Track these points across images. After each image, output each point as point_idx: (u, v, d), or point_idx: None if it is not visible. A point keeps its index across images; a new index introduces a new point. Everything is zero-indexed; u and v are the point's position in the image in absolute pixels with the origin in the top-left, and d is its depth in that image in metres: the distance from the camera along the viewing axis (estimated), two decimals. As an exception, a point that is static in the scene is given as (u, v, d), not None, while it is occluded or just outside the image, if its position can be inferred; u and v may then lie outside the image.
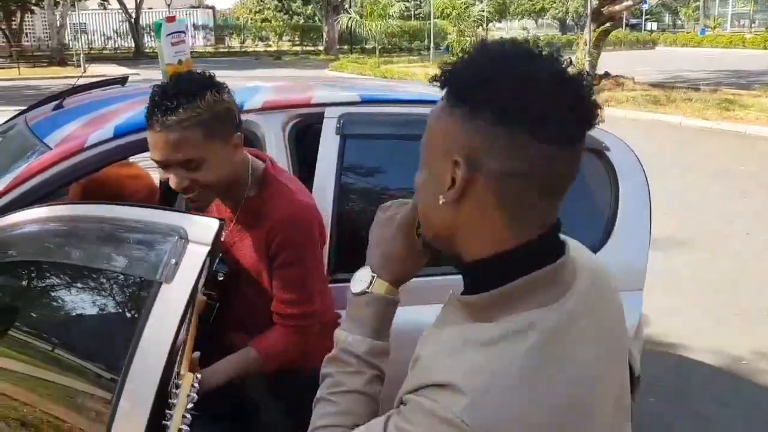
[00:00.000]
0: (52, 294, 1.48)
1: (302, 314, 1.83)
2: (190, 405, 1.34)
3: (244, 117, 2.24)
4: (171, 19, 2.28)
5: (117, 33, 40.03)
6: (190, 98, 1.62)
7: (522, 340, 0.85)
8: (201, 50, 38.91)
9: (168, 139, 1.62)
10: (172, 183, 1.66)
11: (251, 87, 2.55)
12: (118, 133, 2.12)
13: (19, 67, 25.93)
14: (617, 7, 17.98)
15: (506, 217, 0.89)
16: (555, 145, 0.85)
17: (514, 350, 0.84)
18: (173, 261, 1.12)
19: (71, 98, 2.64)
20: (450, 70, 0.90)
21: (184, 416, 1.30)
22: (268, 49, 39.86)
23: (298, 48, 40.55)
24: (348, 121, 2.27)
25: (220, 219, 1.17)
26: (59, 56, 30.41)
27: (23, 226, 1.44)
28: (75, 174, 2.07)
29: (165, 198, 3.50)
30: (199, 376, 1.55)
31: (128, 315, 1.30)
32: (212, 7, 44.79)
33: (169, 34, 2.26)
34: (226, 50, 37.89)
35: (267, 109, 2.30)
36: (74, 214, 1.42)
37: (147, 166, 2.78)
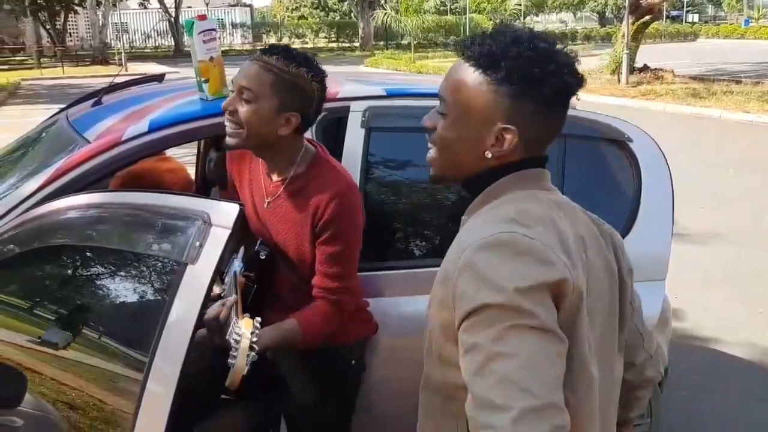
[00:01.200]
0: (92, 278, 1.59)
1: (344, 288, 1.92)
2: (255, 339, 1.47)
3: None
4: (202, 17, 2.36)
5: (156, 32, 40.77)
6: (288, 59, 1.85)
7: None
8: (239, 48, 39.42)
9: (249, 69, 1.87)
10: (226, 101, 1.88)
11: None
12: (153, 128, 2.21)
13: (63, 66, 26.61)
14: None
15: (509, 155, 1.17)
16: (560, 112, 1.16)
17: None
18: (197, 243, 1.20)
19: (110, 95, 2.75)
20: (496, 52, 1.13)
21: (251, 347, 1.41)
22: (305, 45, 40.13)
23: (334, 44, 40.79)
24: (373, 114, 2.32)
25: (240, 204, 1.25)
26: (101, 55, 31.11)
27: (65, 212, 1.54)
28: (112, 167, 2.17)
29: (201, 190, 3.62)
30: (259, 318, 1.72)
31: (157, 296, 1.38)
32: (250, 5, 45.28)
33: (201, 32, 2.35)
34: (264, 48, 38.16)
35: (295, 103, 2.36)
36: (109, 201, 1.51)
37: (183, 160, 2.88)
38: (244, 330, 1.66)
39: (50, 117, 3.09)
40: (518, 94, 1.12)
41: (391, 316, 2.22)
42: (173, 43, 37.73)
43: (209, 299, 1.35)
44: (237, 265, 1.94)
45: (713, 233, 6.16)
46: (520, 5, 28.34)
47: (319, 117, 2.37)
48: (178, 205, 1.34)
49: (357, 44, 37.32)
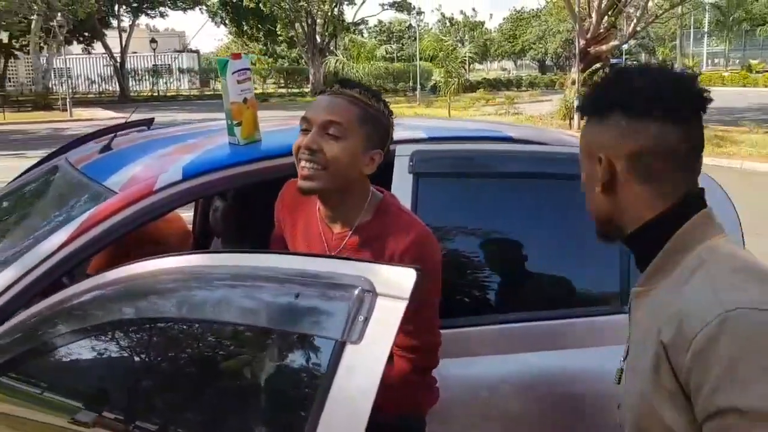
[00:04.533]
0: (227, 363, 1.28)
1: (425, 347, 1.70)
2: None
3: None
4: (237, 56, 2.19)
5: (101, 77, 40.00)
6: (370, 94, 1.71)
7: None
8: (186, 93, 38.94)
9: (331, 102, 1.68)
10: (307, 138, 1.64)
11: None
12: (187, 175, 2.01)
13: (4, 112, 25.72)
14: (604, 47, 18.32)
15: (648, 190, 1.10)
16: (667, 122, 1.07)
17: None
18: (361, 318, 0.98)
19: (119, 140, 2.52)
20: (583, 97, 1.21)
21: None
22: (255, 91, 39.84)
23: (283, 90, 40.69)
24: (420, 159, 2.17)
25: (417, 268, 1.05)
26: (43, 101, 30.24)
27: (152, 279, 1.28)
28: (144, 218, 1.94)
29: (198, 240, 3.38)
30: None
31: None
32: (197, 51, 45.00)
33: (235, 72, 2.17)
34: (212, 93, 37.86)
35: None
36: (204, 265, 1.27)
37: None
38: None
39: (39, 164, 2.85)
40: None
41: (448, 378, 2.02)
42: (119, 89, 37.08)
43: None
44: None
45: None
46: (469, 53, 28.90)
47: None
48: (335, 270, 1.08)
49: (308, 89, 37.41)
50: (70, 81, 31.34)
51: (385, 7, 37.92)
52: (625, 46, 33.51)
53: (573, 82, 18.53)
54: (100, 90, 39.86)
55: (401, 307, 0.99)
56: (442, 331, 2.04)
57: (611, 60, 52.83)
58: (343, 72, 28.43)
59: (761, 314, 0.92)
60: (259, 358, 1.19)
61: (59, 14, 24.82)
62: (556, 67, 56.99)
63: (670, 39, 52.22)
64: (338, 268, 1.08)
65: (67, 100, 26.19)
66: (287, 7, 29.05)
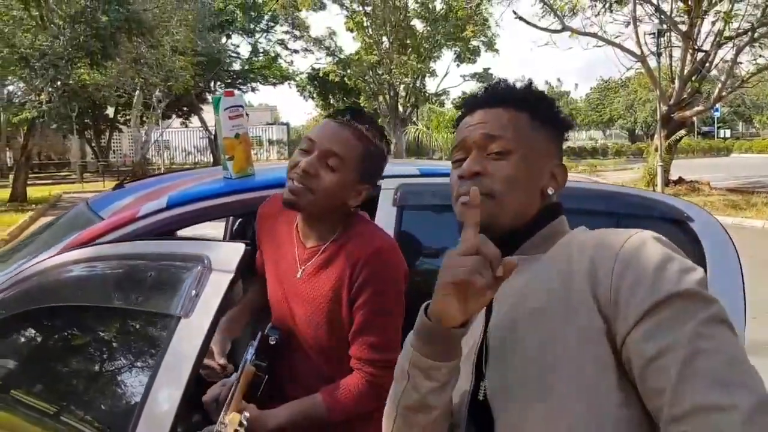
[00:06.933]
0: (83, 341, 1.41)
1: (383, 361, 1.65)
2: None
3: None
4: (229, 93, 2.29)
5: (196, 148, 42.20)
6: (376, 131, 1.74)
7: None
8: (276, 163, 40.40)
9: (339, 132, 1.69)
10: (305, 161, 1.66)
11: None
12: (171, 204, 2.08)
13: (104, 181, 27.46)
14: (688, 113, 17.82)
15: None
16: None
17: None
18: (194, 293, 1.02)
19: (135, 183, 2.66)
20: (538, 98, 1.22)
21: None
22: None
23: (367, 160, 41.52)
24: (405, 192, 2.17)
25: (246, 243, 1.07)
26: (142, 170, 32.11)
27: (54, 271, 1.39)
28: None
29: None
30: (247, 414, 1.47)
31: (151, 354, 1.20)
32: (287, 123, 46.89)
33: (227, 108, 2.26)
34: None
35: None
36: (101, 255, 1.35)
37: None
38: (228, 423, 1.41)
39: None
40: (558, 133, 1.20)
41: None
42: (212, 159, 38.94)
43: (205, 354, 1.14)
44: (250, 352, 1.72)
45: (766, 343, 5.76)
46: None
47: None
48: (176, 251, 1.17)
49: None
50: (168, 152, 33.10)
51: (467, 78, 38.48)
52: (717, 114, 32.63)
53: (656, 149, 18.06)
54: (195, 160, 41.99)
55: (227, 279, 1.02)
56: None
57: (703, 128, 51.00)
58: (423, 141, 28.88)
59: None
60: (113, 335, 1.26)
61: (158, 90, 26.56)
62: (647, 136, 55.81)
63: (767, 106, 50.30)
64: (182, 248, 1.12)
65: (162, 169, 27.71)
66: (370, 80, 30.01)
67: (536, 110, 1.19)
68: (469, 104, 1.24)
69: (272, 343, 1.75)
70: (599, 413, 0.94)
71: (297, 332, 1.77)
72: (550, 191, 1.17)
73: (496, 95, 1.21)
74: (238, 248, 1.04)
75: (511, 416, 1.02)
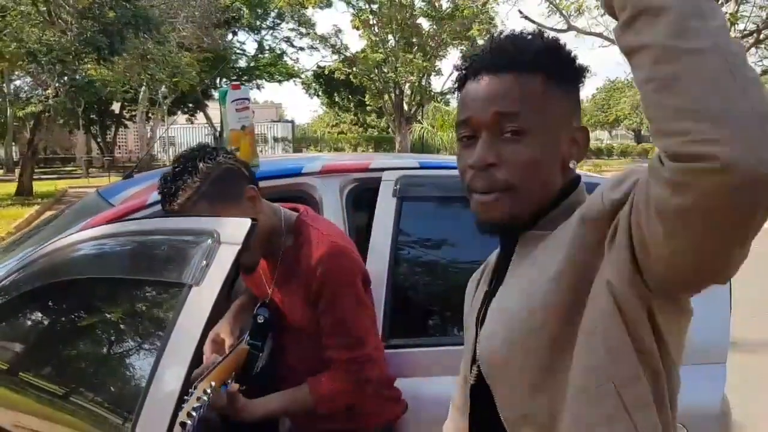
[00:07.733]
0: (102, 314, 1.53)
1: (353, 359, 1.74)
2: (196, 404, 1.32)
3: (302, 180, 2.27)
4: (236, 86, 2.36)
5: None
6: (185, 177, 1.67)
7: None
8: (279, 160, 40.45)
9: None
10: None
11: (314, 156, 2.59)
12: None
13: (109, 176, 27.59)
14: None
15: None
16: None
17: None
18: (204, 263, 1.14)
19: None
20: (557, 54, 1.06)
21: (189, 413, 1.28)
22: (344, 159, 41.00)
23: (372, 158, 41.58)
24: (405, 183, 2.24)
25: (253, 219, 1.18)
26: (147, 166, 32.24)
27: (71, 249, 1.50)
28: (134, 230, 2.10)
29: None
30: (213, 383, 1.53)
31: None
32: (292, 121, 47.05)
33: (234, 101, 2.33)
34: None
35: (325, 172, 2.31)
36: (116, 232, 1.47)
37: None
38: (194, 391, 1.47)
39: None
40: (575, 86, 1.07)
41: (423, 397, 2.03)
42: (217, 156, 39.07)
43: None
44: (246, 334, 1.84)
45: (764, 341, 5.82)
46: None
47: (351, 186, 2.32)
48: (187, 226, 1.28)
49: (394, 158, 38.12)
50: (173, 148, 33.31)
51: (473, 78, 38.42)
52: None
53: (659, 149, 18.10)
54: (201, 157, 42.13)
55: (235, 250, 1.12)
56: (423, 350, 2.08)
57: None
58: (427, 140, 28.94)
59: None
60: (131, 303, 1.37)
61: (163, 86, 26.69)
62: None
63: None
64: (193, 223, 1.23)
65: (167, 165, 27.78)
66: (376, 78, 30.07)
67: (552, 68, 1.04)
68: (474, 66, 1.07)
69: (260, 321, 1.84)
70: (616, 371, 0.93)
71: (293, 335, 1.87)
72: (572, 165, 1.06)
73: (506, 57, 1.04)
74: (245, 223, 1.15)
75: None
